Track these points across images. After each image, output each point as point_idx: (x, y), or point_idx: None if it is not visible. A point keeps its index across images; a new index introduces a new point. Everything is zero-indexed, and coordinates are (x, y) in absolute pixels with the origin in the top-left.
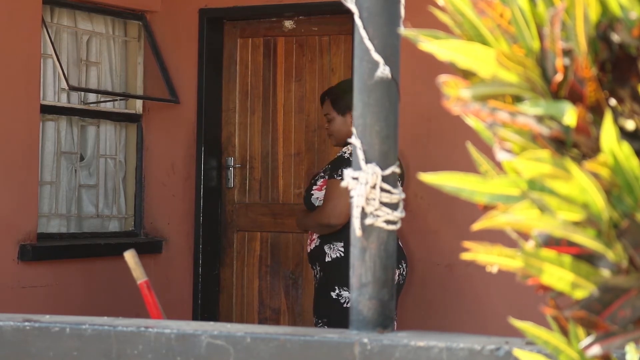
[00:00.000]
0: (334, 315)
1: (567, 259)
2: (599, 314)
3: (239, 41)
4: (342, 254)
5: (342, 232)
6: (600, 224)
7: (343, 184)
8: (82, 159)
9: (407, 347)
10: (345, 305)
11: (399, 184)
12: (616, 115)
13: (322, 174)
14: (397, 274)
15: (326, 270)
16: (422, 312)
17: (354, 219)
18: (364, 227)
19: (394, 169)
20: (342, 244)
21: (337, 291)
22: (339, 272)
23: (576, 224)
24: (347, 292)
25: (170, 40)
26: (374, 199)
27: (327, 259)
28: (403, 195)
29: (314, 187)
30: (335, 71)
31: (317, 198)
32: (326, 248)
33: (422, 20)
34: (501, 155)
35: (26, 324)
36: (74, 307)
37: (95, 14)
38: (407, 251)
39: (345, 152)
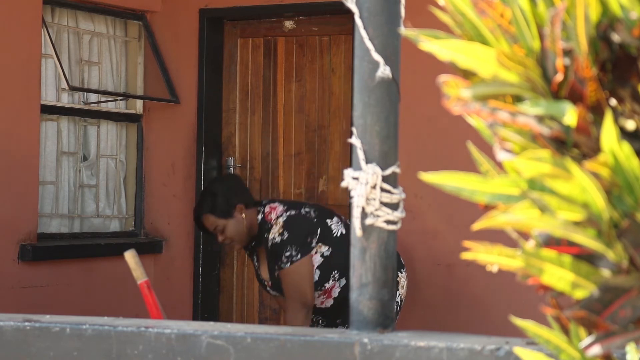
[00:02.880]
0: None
1: (567, 258)
2: (600, 314)
3: (239, 41)
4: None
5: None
6: (601, 223)
7: (343, 184)
8: (85, 159)
9: (408, 347)
10: None
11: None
12: (616, 115)
13: (275, 268)
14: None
15: (327, 316)
16: (422, 312)
17: (354, 219)
18: (364, 227)
19: (394, 169)
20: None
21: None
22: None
23: (576, 223)
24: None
25: (170, 40)
26: (374, 199)
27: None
28: (403, 196)
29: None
30: (335, 71)
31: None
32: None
33: (423, 20)
34: (502, 155)
35: (26, 324)
36: (74, 307)
37: (95, 14)
38: (407, 251)
39: (274, 238)
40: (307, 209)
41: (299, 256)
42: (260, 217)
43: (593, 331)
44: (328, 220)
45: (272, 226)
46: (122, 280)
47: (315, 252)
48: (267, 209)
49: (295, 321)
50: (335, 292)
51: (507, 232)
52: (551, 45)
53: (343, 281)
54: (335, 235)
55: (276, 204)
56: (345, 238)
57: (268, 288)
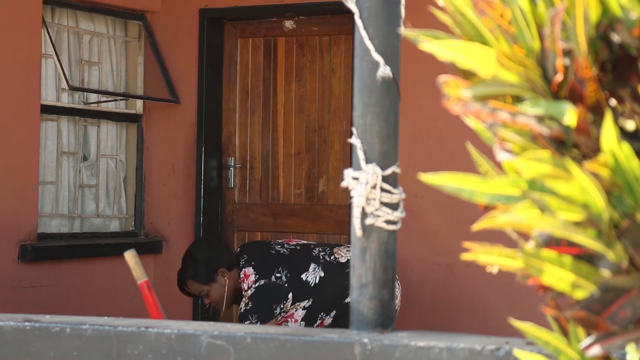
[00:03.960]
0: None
1: (567, 259)
2: (600, 314)
3: (239, 41)
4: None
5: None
6: (601, 224)
7: (343, 184)
8: (85, 159)
9: (408, 347)
10: None
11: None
12: (616, 115)
13: None
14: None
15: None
16: (422, 312)
17: (354, 219)
18: (364, 227)
19: (394, 169)
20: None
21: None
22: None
23: (576, 224)
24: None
25: (170, 40)
26: (374, 199)
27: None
28: (403, 196)
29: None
30: (335, 71)
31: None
32: None
33: (423, 20)
34: (501, 156)
35: (26, 324)
36: (74, 307)
37: (95, 14)
38: (407, 251)
39: (241, 308)
40: (278, 274)
41: (258, 323)
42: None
43: (593, 332)
44: (303, 275)
45: (243, 296)
46: (122, 280)
47: (295, 310)
48: (242, 276)
49: None
50: (328, 322)
51: (507, 232)
52: (551, 45)
53: (333, 312)
54: (312, 284)
55: (250, 271)
56: (325, 279)
57: None
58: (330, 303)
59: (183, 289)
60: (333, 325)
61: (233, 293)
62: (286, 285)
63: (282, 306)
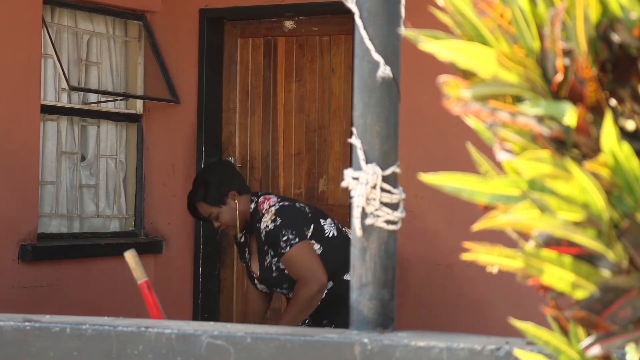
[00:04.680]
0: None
1: (567, 259)
2: (600, 314)
3: (239, 41)
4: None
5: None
6: (601, 224)
7: (343, 184)
8: (83, 159)
9: (408, 347)
10: None
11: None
12: (616, 115)
13: (275, 259)
14: None
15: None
16: (422, 312)
17: (354, 219)
18: (364, 227)
19: (394, 169)
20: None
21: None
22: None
23: (576, 224)
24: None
25: (170, 40)
26: (374, 199)
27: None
28: (403, 196)
29: (285, 269)
30: (335, 71)
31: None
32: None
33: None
34: (501, 156)
35: (26, 324)
36: (74, 307)
37: (95, 14)
38: (407, 251)
39: (267, 226)
40: (301, 205)
41: (297, 239)
42: (252, 206)
43: (593, 332)
44: (321, 220)
45: (263, 215)
46: (122, 280)
47: None
48: (260, 199)
49: (297, 307)
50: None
51: (507, 232)
52: (551, 45)
53: (330, 284)
54: (327, 235)
55: (270, 196)
56: (337, 240)
57: (256, 281)
58: (333, 267)
59: (193, 212)
60: (326, 297)
61: (243, 217)
62: (309, 215)
63: (309, 233)
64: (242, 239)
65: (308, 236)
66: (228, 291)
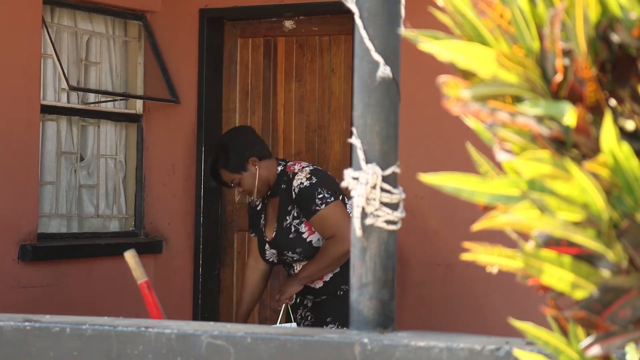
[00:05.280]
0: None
1: (567, 259)
2: (599, 314)
3: (239, 41)
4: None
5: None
6: (600, 224)
7: (343, 184)
8: (82, 159)
9: (408, 347)
10: None
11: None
12: (616, 115)
13: (297, 220)
14: None
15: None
16: (422, 312)
17: (354, 219)
18: (364, 227)
19: (394, 169)
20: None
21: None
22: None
23: (576, 224)
24: None
25: (170, 40)
26: (374, 199)
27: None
28: (403, 196)
29: (305, 235)
30: (335, 71)
31: (318, 239)
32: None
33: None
34: (501, 156)
35: (26, 324)
36: (74, 307)
37: (95, 14)
38: (407, 251)
39: (302, 183)
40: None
41: (332, 198)
42: (280, 168)
43: (592, 332)
44: (346, 198)
45: (293, 175)
46: (122, 280)
47: None
48: (290, 162)
49: (325, 261)
50: (327, 276)
51: (507, 232)
52: (551, 45)
53: (337, 269)
54: (349, 211)
55: (300, 161)
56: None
57: (266, 247)
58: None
59: (216, 178)
60: (331, 282)
61: (265, 183)
62: (340, 186)
63: (340, 196)
64: (259, 206)
65: (340, 199)
66: (228, 291)
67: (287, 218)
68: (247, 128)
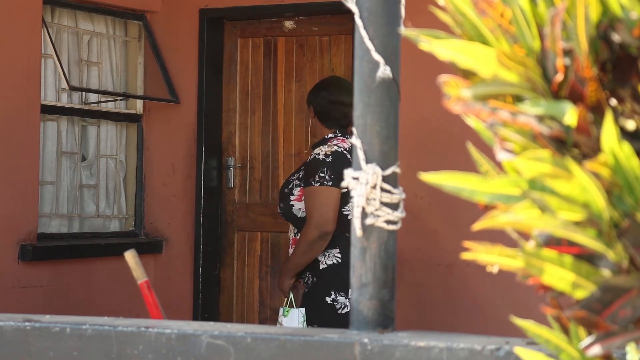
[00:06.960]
0: (325, 321)
1: (567, 258)
2: (600, 314)
3: (239, 41)
4: (340, 260)
5: (335, 239)
6: (601, 223)
7: (343, 184)
8: (83, 159)
9: (408, 347)
10: (340, 311)
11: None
12: (617, 115)
13: (297, 182)
14: None
15: (320, 276)
16: (422, 312)
17: (355, 219)
18: (364, 227)
19: (394, 169)
20: (337, 250)
21: (332, 296)
22: (337, 277)
23: (577, 223)
24: (343, 298)
25: (170, 40)
26: (374, 199)
27: (322, 265)
28: (403, 196)
29: (292, 198)
30: (335, 71)
31: (299, 209)
32: (319, 256)
33: (423, 20)
34: (502, 155)
35: (26, 324)
36: (74, 307)
37: (95, 14)
38: (407, 251)
39: (319, 154)
40: None
41: (330, 183)
42: (329, 135)
43: (593, 331)
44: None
45: (326, 144)
46: (122, 280)
47: None
48: (341, 138)
49: (299, 249)
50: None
51: (507, 232)
52: (551, 45)
53: (336, 251)
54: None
55: (347, 141)
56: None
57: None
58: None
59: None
60: (333, 264)
61: (312, 134)
62: None
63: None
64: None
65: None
66: (228, 291)
67: (295, 174)
68: (346, 91)
